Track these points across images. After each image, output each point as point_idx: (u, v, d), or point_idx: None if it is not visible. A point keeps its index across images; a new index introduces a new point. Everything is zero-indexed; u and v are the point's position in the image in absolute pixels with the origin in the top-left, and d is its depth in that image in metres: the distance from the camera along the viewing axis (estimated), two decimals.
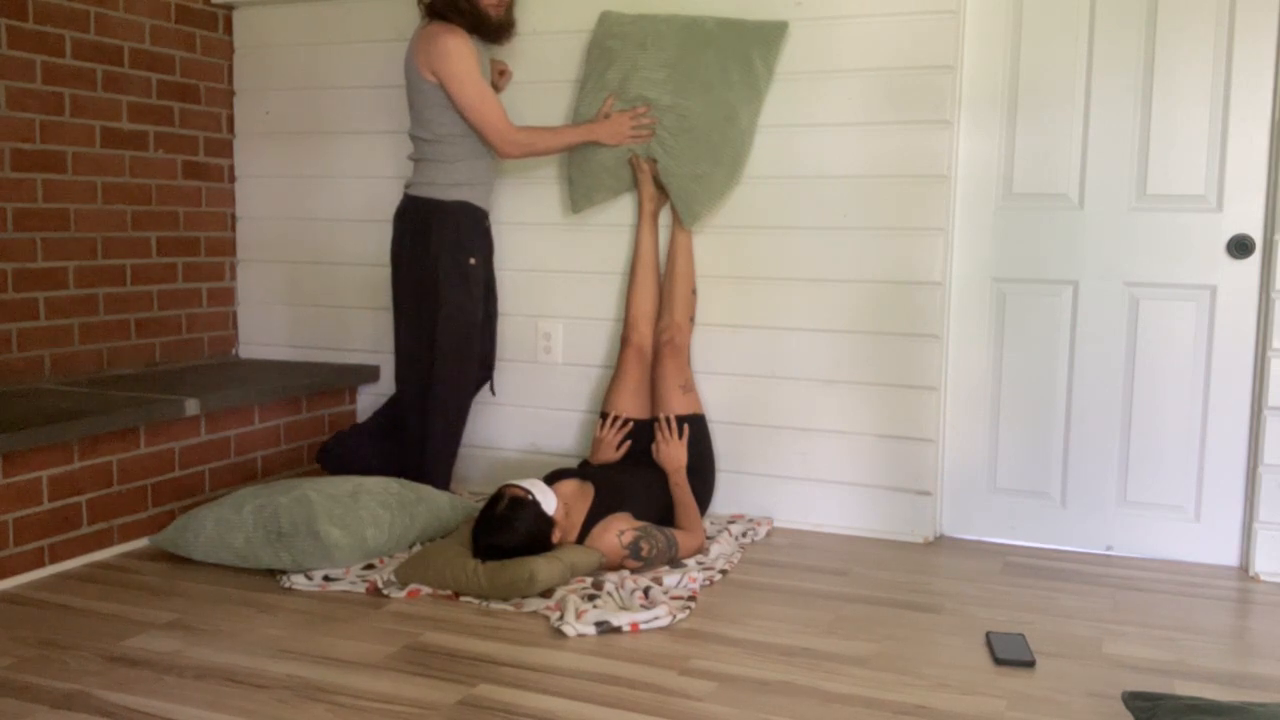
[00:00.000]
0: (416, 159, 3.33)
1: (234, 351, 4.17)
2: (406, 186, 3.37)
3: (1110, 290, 3.19)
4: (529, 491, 2.83)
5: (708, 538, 3.17)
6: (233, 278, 4.14)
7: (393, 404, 3.52)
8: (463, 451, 3.63)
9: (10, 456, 2.81)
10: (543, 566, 2.69)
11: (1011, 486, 3.33)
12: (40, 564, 2.93)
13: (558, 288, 3.67)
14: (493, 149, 3.28)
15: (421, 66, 3.19)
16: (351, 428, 3.60)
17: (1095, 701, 2.21)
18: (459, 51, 3.15)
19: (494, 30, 3.29)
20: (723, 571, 2.96)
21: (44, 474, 2.91)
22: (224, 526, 2.94)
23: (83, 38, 3.50)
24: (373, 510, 2.98)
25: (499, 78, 3.54)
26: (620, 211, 3.55)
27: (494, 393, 3.67)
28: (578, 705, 2.16)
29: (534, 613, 2.66)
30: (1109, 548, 3.24)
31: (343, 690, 2.22)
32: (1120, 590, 2.91)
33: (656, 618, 2.57)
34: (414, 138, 3.32)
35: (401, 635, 2.52)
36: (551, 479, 3.04)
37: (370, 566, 2.96)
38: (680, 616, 2.62)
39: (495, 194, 3.68)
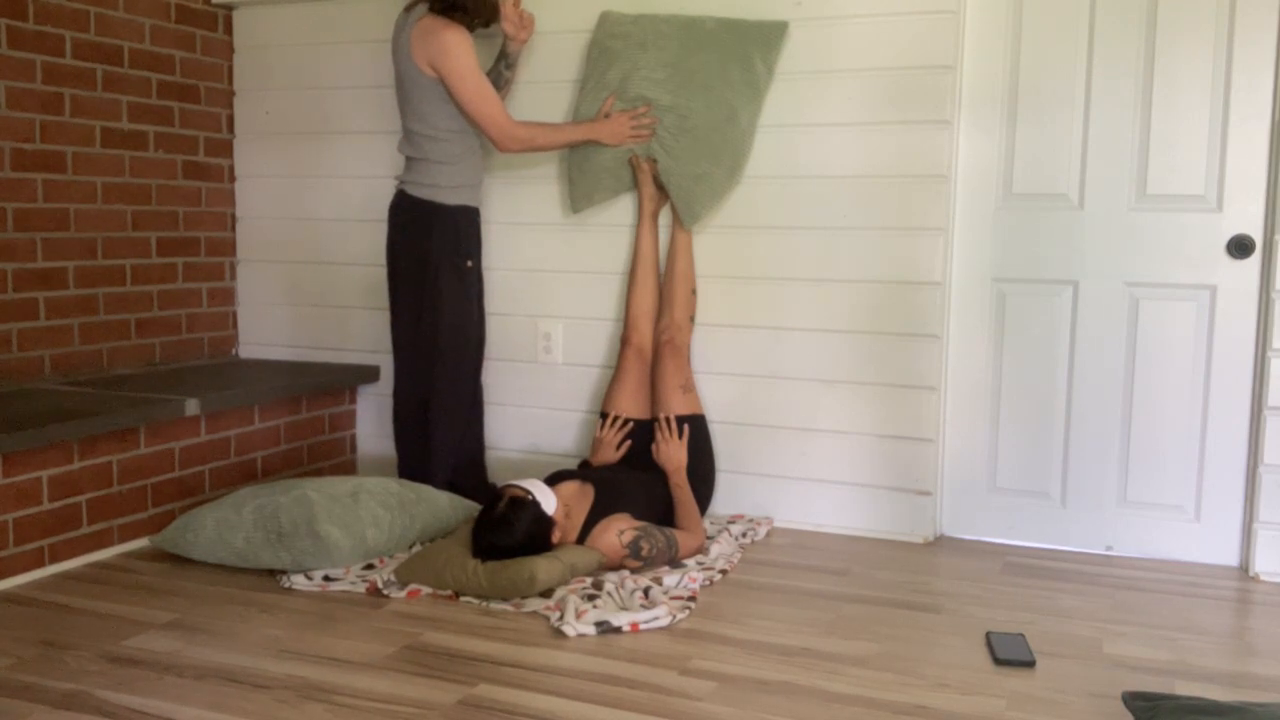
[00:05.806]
0: (414, 156, 3.29)
1: (234, 351, 4.17)
2: (401, 182, 3.34)
3: (1110, 290, 3.19)
4: (529, 491, 2.83)
5: (708, 538, 3.17)
6: (233, 278, 4.14)
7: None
8: None
9: (10, 456, 2.81)
10: (543, 566, 2.69)
11: (1011, 486, 3.33)
12: (40, 564, 2.93)
13: (558, 288, 3.67)
14: (492, 143, 3.27)
15: (420, 61, 3.17)
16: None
17: (1095, 701, 2.21)
18: (461, 47, 3.14)
19: (496, 12, 3.30)
20: (723, 571, 2.96)
21: (44, 474, 2.91)
22: (224, 526, 2.94)
23: (83, 38, 3.50)
24: (373, 510, 2.98)
25: (518, 30, 3.39)
26: (620, 211, 3.55)
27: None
28: (578, 705, 2.16)
29: (534, 613, 2.66)
30: (1109, 548, 3.24)
31: (343, 690, 2.22)
32: (1120, 590, 2.91)
33: (656, 618, 2.57)
34: (412, 132, 3.27)
35: (401, 635, 2.52)
36: (552, 481, 3.04)
37: (370, 566, 2.96)
38: (680, 616, 2.62)
39: (494, 193, 3.69)
